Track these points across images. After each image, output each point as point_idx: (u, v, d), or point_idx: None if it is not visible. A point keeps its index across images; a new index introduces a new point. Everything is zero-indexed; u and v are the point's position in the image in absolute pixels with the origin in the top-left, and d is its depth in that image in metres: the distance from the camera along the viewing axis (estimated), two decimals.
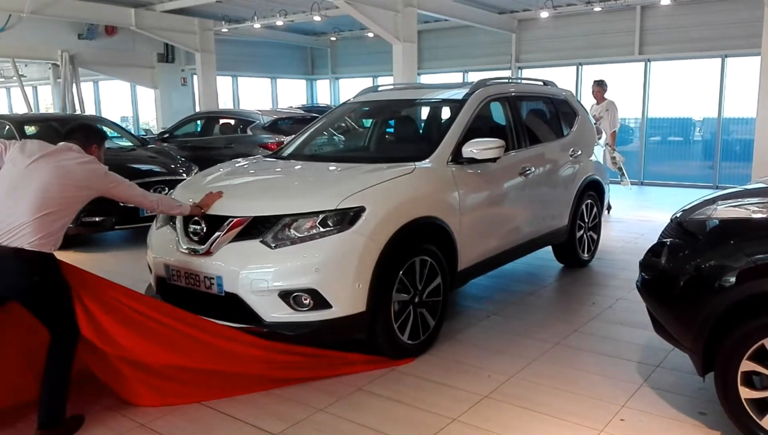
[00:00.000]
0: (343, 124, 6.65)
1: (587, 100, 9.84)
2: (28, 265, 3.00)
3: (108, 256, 7.13)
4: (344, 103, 5.81)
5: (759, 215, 3.05)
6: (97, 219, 7.01)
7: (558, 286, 5.76)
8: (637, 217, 8.97)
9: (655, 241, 3.35)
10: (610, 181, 8.10)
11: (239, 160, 5.48)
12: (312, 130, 5.54)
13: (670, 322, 3.14)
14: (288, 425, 3.21)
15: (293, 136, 5.62)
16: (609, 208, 8.61)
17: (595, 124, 8.42)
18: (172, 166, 7.84)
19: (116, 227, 7.23)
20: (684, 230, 3.20)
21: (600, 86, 9.22)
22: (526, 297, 5.31)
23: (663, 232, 3.39)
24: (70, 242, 7.27)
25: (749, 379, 2.82)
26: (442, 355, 4.06)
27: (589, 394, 3.50)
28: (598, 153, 6.42)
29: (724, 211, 3.19)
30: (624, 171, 9.40)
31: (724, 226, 3.09)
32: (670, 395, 3.46)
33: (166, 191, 7.31)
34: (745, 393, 2.81)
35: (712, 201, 3.38)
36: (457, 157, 4.38)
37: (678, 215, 3.38)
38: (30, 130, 8.25)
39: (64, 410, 3.14)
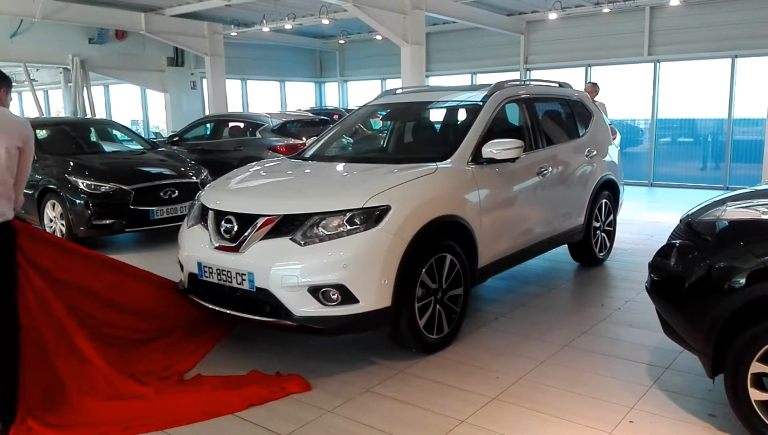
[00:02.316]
0: (364, 126, 6.72)
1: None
2: None
3: (118, 258, 7.15)
4: (364, 106, 5.90)
5: None
6: (107, 222, 7.07)
7: (567, 288, 5.75)
8: (646, 219, 8.93)
9: (665, 243, 3.34)
10: None
11: (264, 161, 5.58)
12: (333, 132, 5.66)
13: (679, 323, 3.13)
14: (297, 426, 3.22)
15: (315, 138, 5.72)
16: None
17: None
18: (182, 169, 7.89)
19: (127, 230, 7.28)
20: (693, 231, 3.19)
21: (594, 87, 9.70)
22: (534, 299, 5.30)
23: (672, 233, 3.38)
24: (81, 244, 7.36)
25: (759, 381, 2.81)
26: (450, 357, 4.07)
27: (598, 396, 3.50)
28: (613, 153, 6.43)
29: (734, 212, 3.18)
30: None
31: (734, 228, 3.07)
32: (680, 397, 3.45)
33: (176, 194, 7.38)
34: (755, 395, 2.80)
35: (722, 202, 3.37)
36: (477, 158, 4.49)
37: (687, 216, 3.37)
38: (41, 134, 8.32)
39: (15, 401, 3.17)
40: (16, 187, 3.26)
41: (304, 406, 3.44)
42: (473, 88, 5.61)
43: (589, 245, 6.08)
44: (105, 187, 7.08)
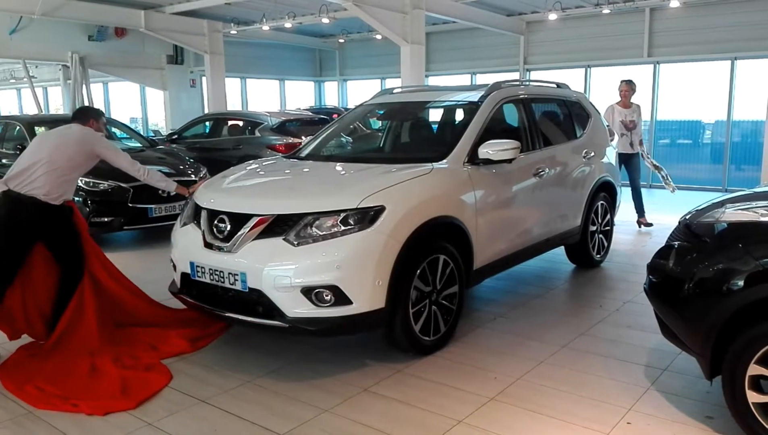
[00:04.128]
0: (360, 126, 6.70)
1: (597, 102, 9.70)
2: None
3: (116, 256, 7.11)
4: (361, 105, 5.88)
5: (767, 218, 3.04)
6: (105, 219, 7.06)
7: (565, 289, 5.75)
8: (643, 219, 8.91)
9: (663, 244, 3.34)
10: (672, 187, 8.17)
11: (259, 159, 5.57)
12: (329, 131, 5.64)
13: (677, 325, 3.13)
14: (294, 425, 3.22)
15: (311, 137, 5.71)
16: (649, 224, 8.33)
17: (628, 131, 7.99)
18: (181, 167, 7.88)
19: (125, 228, 7.27)
20: (692, 233, 3.19)
21: (629, 85, 8.24)
22: (532, 299, 5.30)
23: (671, 234, 3.38)
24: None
25: (757, 383, 2.81)
26: (448, 357, 4.06)
27: (595, 397, 3.50)
28: (610, 154, 6.42)
29: (733, 214, 3.18)
30: (666, 174, 8.77)
31: (733, 229, 3.08)
32: (678, 399, 3.45)
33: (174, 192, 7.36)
34: (753, 397, 2.80)
35: (721, 204, 3.37)
36: (473, 158, 4.47)
37: (686, 218, 3.37)
38: (40, 131, 8.30)
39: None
40: (123, 164, 4.36)
41: (302, 405, 3.44)
42: (470, 88, 5.59)
43: (586, 247, 6.07)
44: (103, 184, 7.06)
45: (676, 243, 3.22)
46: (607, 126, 6.79)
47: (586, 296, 5.53)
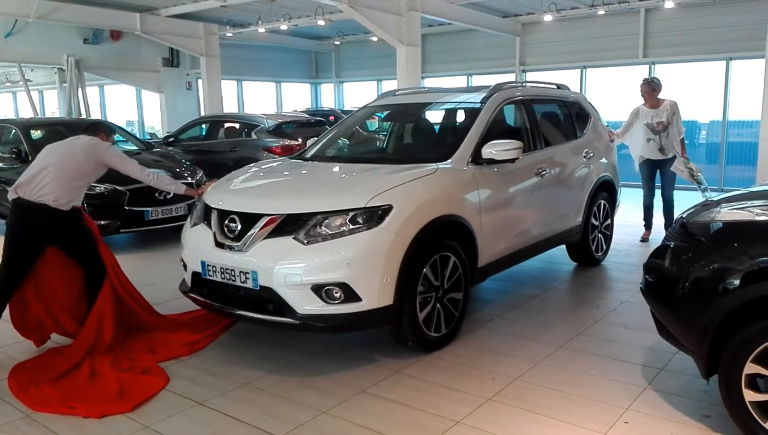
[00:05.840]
0: (364, 127, 6.73)
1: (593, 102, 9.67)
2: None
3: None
4: (364, 107, 5.92)
5: (763, 218, 3.05)
6: (102, 222, 7.02)
7: (562, 289, 5.76)
8: (641, 220, 8.92)
9: (660, 244, 3.35)
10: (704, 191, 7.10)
11: (266, 161, 5.62)
12: (334, 132, 5.68)
13: (673, 324, 3.14)
14: (291, 427, 3.21)
15: (315, 139, 5.76)
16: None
17: (655, 134, 7.12)
18: (177, 169, 7.87)
19: (122, 231, 7.26)
20: (688, 233, 3.19)
21: (648, 85, 7.34)
22: (530, 300, 5.31)
23: (667, 234, 3.39)
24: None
25: (753, 382, 2.81)
26: (446, 358, 4.06)
27: (593, 397, 3.50)
28: (610, 154, 6.44)
29: (728, 213, 3.19)
30: (703, 182, 7.37)
31: (728, 229, 3.08)
32: (675, 398, 3.45)
33: (171, 194, 7.35)
34: (750, 396, 2.81)
35: (716, 203, 3.38)
36: (476, 158, 4.53)
37: (682, 217, 3.38)
38: (36, 134, 8.28)
39: None
40: (132, 171, 4.41)
41: (299, 406, 3.43)
42: (472, 89, 5.65)
43: (587, 245, 6.11)
44: (100, 187, 7.04)
45: (671, 242, 3.22)
46: (607, 126, 6.79)
47: (584, 296, 5.54)
